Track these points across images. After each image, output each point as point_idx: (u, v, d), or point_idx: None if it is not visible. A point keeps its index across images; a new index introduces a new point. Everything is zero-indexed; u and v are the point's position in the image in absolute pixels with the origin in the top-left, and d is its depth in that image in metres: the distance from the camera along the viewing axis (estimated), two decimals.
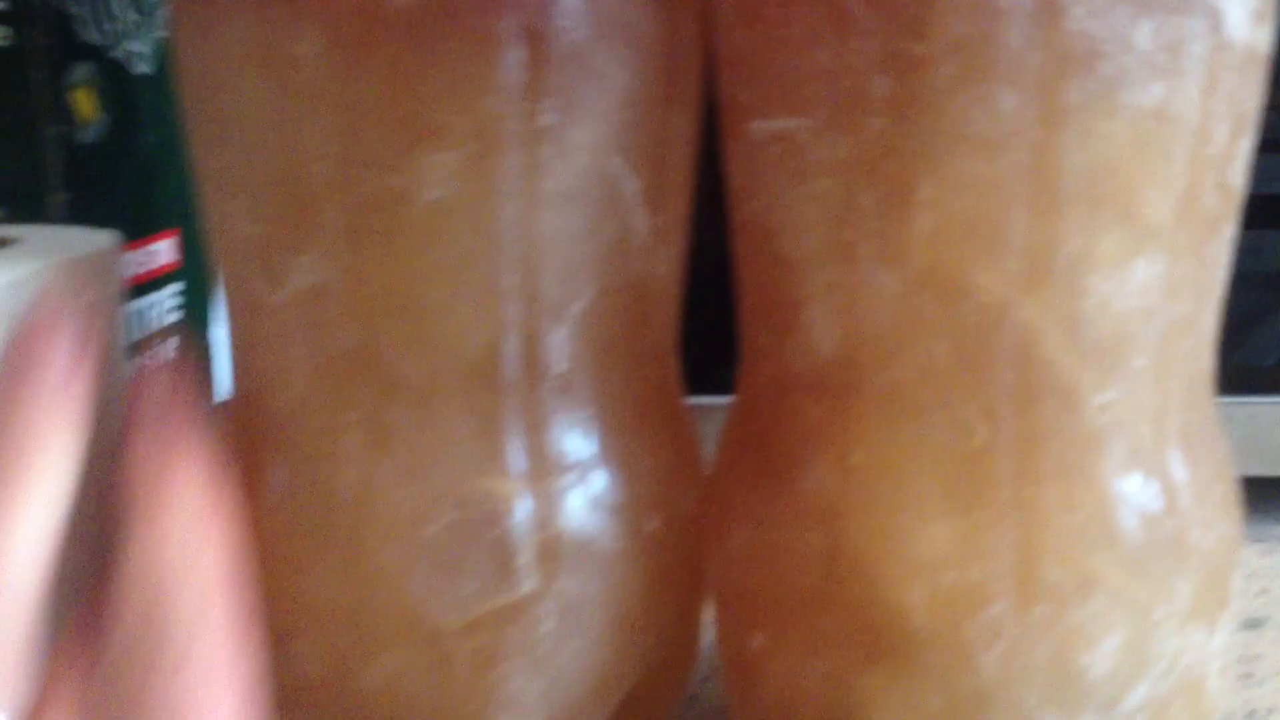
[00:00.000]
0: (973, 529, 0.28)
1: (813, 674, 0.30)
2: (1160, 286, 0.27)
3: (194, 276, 0.46)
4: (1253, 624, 0.42)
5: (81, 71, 0.40)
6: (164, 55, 0.44)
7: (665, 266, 0.32)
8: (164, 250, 0.44)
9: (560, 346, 0.29)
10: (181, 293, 0.48)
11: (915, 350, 0.28)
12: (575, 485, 0.30)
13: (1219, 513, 0.29)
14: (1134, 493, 0.28)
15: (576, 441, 0.30)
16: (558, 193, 0.28)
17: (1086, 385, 0.27)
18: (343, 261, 0.28)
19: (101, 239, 0.31)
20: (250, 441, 0.30)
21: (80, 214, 0.40)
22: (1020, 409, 0.27)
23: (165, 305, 0.47)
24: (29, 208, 0.39)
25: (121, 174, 0.43)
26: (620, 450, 0.31)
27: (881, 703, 0.29)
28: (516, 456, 0.29)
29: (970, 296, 0.27)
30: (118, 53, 0.42)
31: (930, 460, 0.28)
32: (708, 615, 0.34)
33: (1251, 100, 0.28)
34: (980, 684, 0.28)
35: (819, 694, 0.30)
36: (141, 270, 0.42)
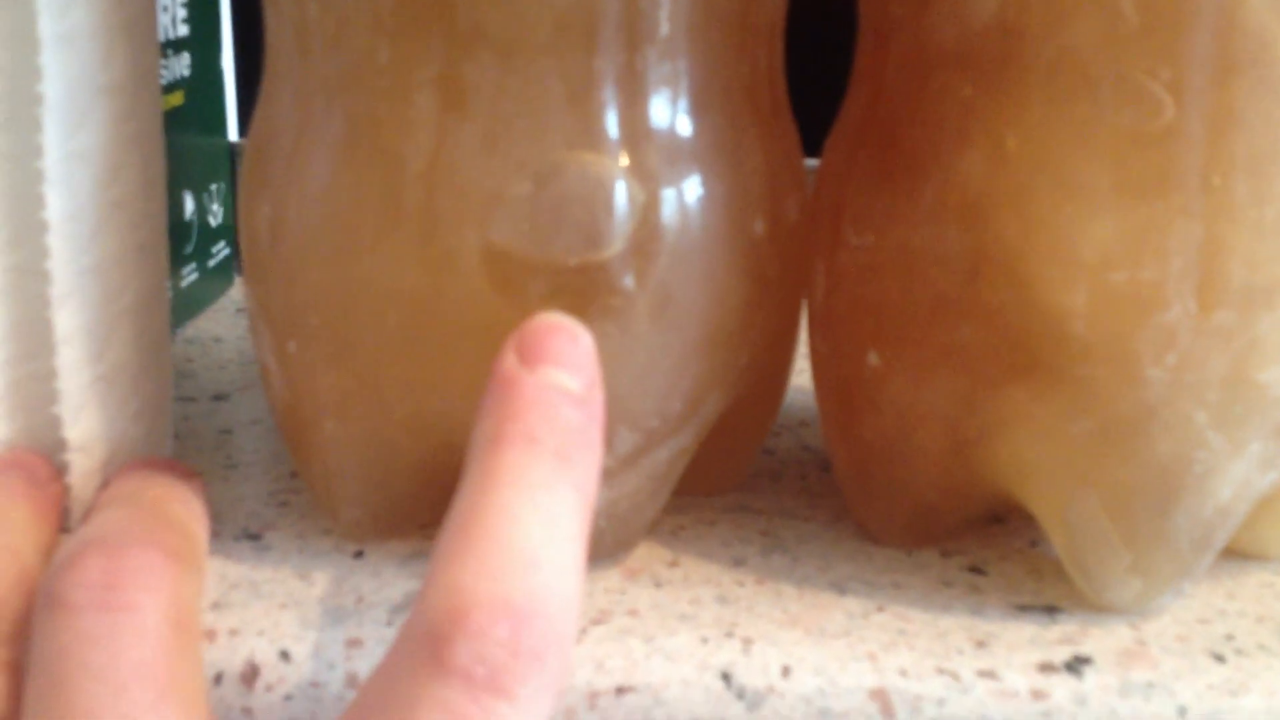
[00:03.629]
0: (1148, 223, 0.24)
1: (940, 394, 0.26)
2: None
3: None
4: None
5: None
6: None
7: None
8: None
9: (663, 4, 0.25)
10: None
11: (1094, 9, 0.23)
12: (675, 170, 0.26)
13: None
14: None
15: (678, 120, 0.26)
16: None
17: None
18: None
19: None
20: (303, 107, 0.26)
21: None
22: (1215, 82, 0.23)
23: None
24: None
25: None
26: (725, 140, 0.26)
27: (1022, 422, 0.25)
28: (610, 128, 0.25)
29: None
30: None
31: (1102, 144, 0.24)
32: None
33: None
34: (1143, 400, 0.24)
35: (943, 415, 0.26)
36: None
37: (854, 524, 0.31)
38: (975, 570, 0.29)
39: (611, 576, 0.29)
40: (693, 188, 0.26)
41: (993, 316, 0.25)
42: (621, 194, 0.25)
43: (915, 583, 0.28)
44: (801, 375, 0.32)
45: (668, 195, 0.25)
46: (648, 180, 0.25)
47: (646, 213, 0.25)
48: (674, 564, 0.29)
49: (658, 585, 0.28)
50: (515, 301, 0.25)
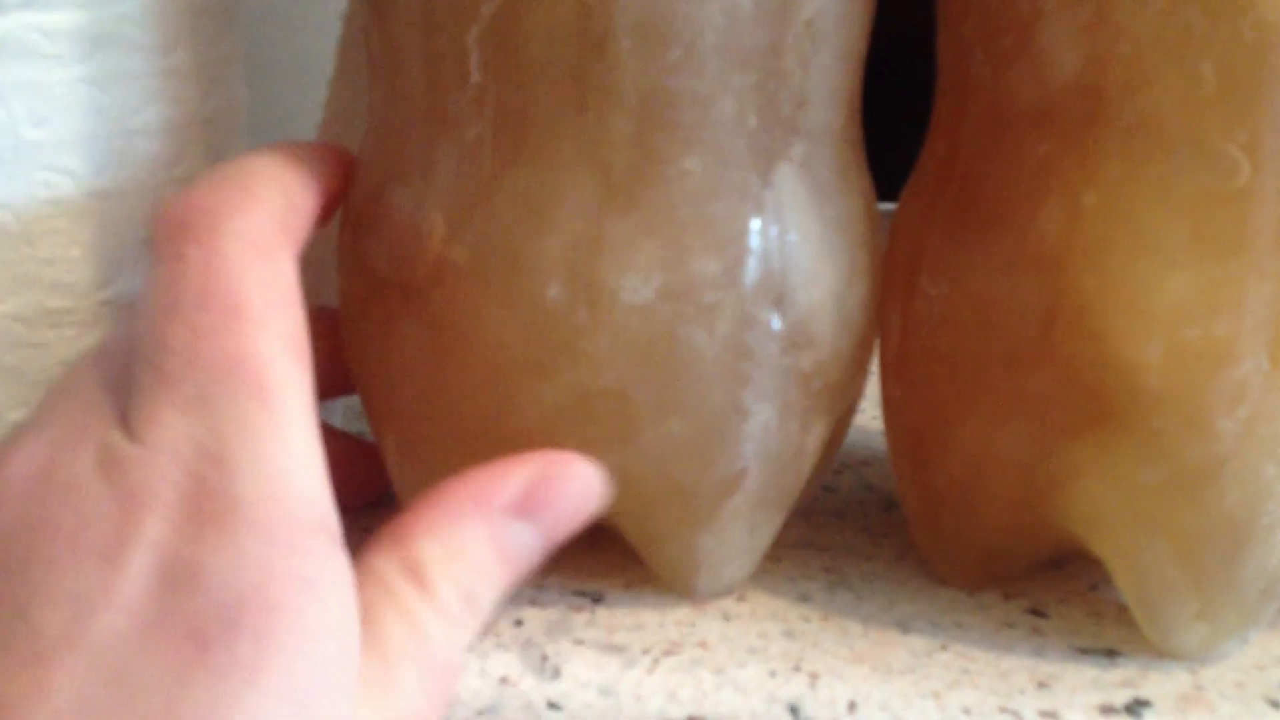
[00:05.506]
0: (1222, 280, 0.24)
1: (1011, 439, 0.27)
2: None
3: None
4: None
5: None
6: None
7: None
8: None
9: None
10: None
11: (1174, 72, 0.24)
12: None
13: None
14: None
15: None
16: None
17: None
18: None
19: None
20: None
21: None
22: None
23: None
24: None
25: None
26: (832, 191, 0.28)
27: (1093, 470, 0.26)
28: None
29: (1245, 13, 0.23)
30: None
31: (1178, 202, 0.25)
32: None
33: None
34: (1214, 452, 0.25)
35: (1015, 461, 0.27)
36: None
37: (917, 563, 0.32)
38: (1037, 613, 0.30)
39: (681, 609, 0.29)
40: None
41: (1066, 367, 0.26)
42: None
43: (978, 623, 0.29)
44: (863, 415, 0.32)
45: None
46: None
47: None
48: (741, 599, 0.30)
49: (726, 619, 0.29)
50: None
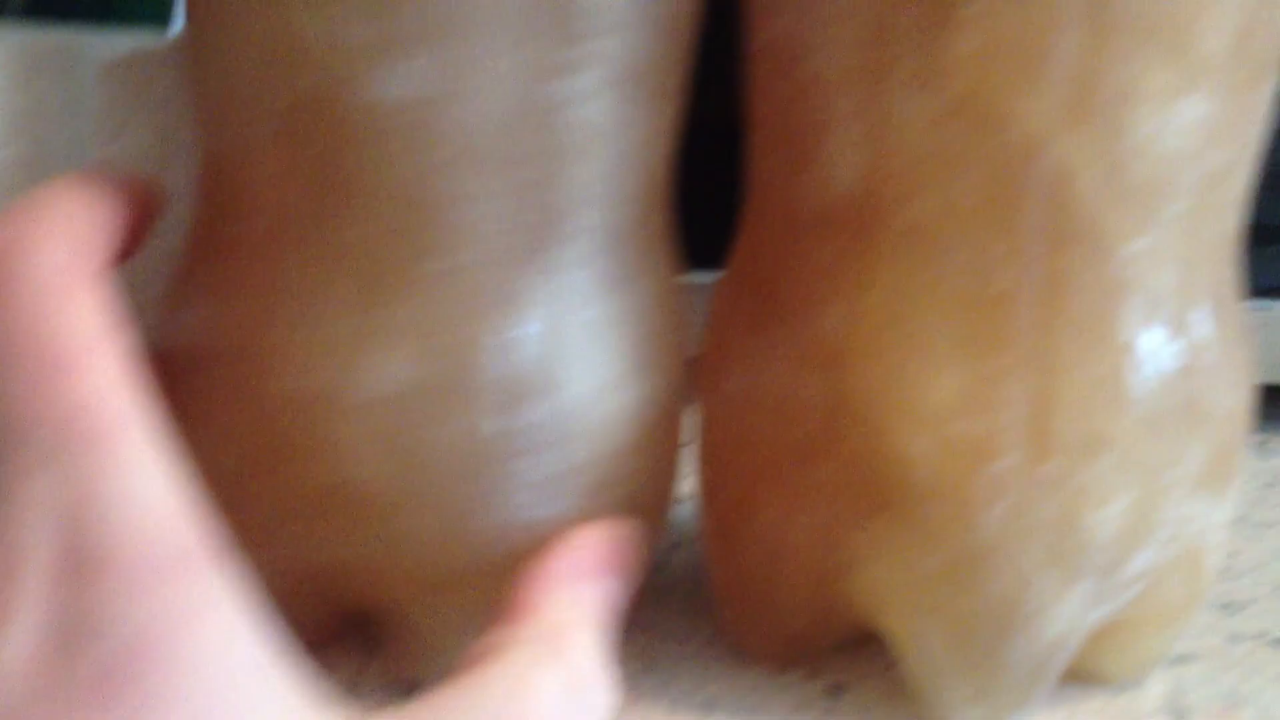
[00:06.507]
0: (985, 379, 0.26)
1: (803, 527, 0.28)
2: (1204, 130, 0.25)
3: None
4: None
5: None
6: None
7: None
8: None
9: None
10: None
11: (941, 185, 0.26)
12: None
13: (1236, 379, 0.28)
14: (1155, 350, 0.26)
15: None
16: None
17: (1117, 232, 0.26)
18: None
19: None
20: None
21: None
22: (1047, 253, 0.26)
23: None
24: None
25: None
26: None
27: (875, 558, 0.27)
28: None
29: (1006, 128, 0.25)
30: None
31: (947, 304, 0.26)
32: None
33: None
34: (981, 541, 0.26)
35: (808, 548, 0.28)
36: None
37: (730, 643, 0.33)
38: (834, 690, 0.31)
39: None
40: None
41: (849, 460, 0.27)
42: None
43: (778, 702, 0.30)
44: None
45: None
46: None
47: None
48: None
49: None
50: None
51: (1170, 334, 0.27)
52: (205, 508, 0.21)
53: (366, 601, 0.29)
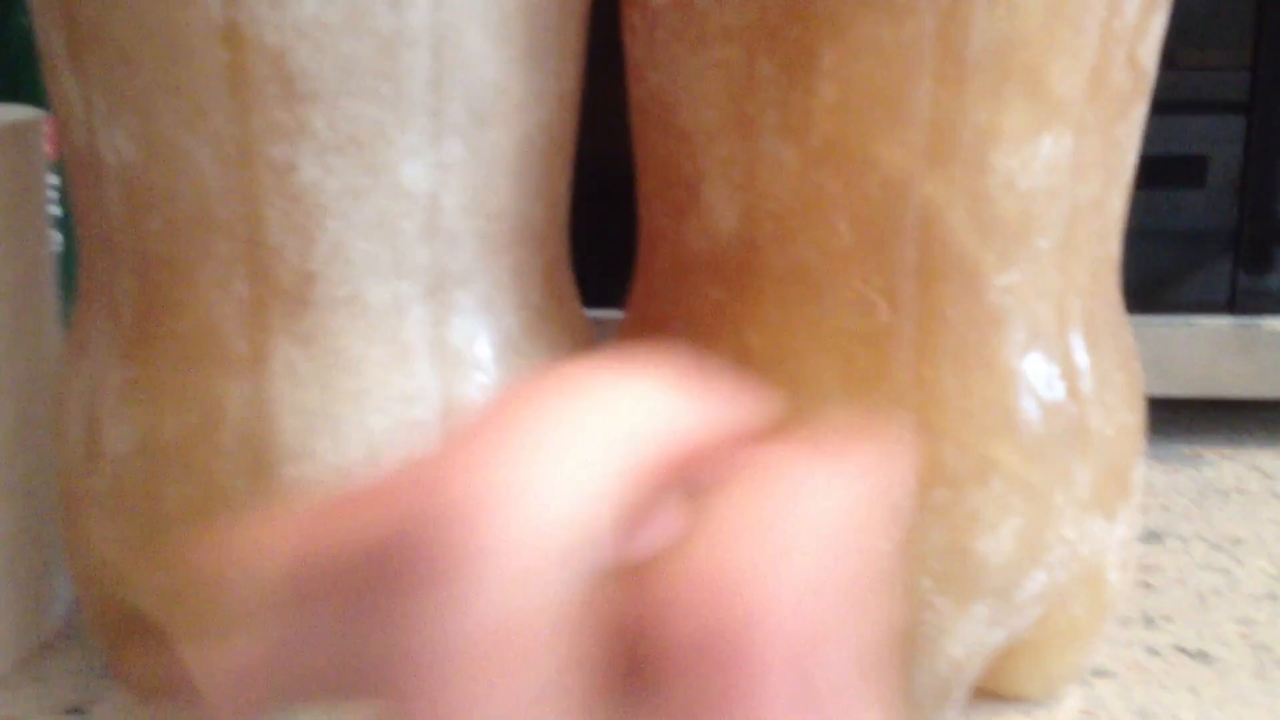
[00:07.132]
0: (868, 412, 0.27)
1: None
2: (1067, 165, 0.26)
3: None
4: (1152, 537, 0.42)
5: None
6: None
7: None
8: None
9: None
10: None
11: (815, 228, 0.27)
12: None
13: (1121, 401, 0.29)
14: (1034, 377, 0.27)
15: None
16: None
17: (989, 265, 0.26)
18: None
19: (23, 113, 0.33)
20: None
21: None
22: (922, 289, 0.27)
23: None
24: None
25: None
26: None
27: None
28: None
29: (872, 171, 0.26)
30: None
31: (828, 342, 0.27)
32: None
33: None
34: None
35: None
36: None
37: None
38: None
39: None
40: None
41: None
42: None
43: None
44: None
45: None
46: None
47: None
48: None
49: None
50: None
51: (1051, 361, 0.27)
52: None
53: None
